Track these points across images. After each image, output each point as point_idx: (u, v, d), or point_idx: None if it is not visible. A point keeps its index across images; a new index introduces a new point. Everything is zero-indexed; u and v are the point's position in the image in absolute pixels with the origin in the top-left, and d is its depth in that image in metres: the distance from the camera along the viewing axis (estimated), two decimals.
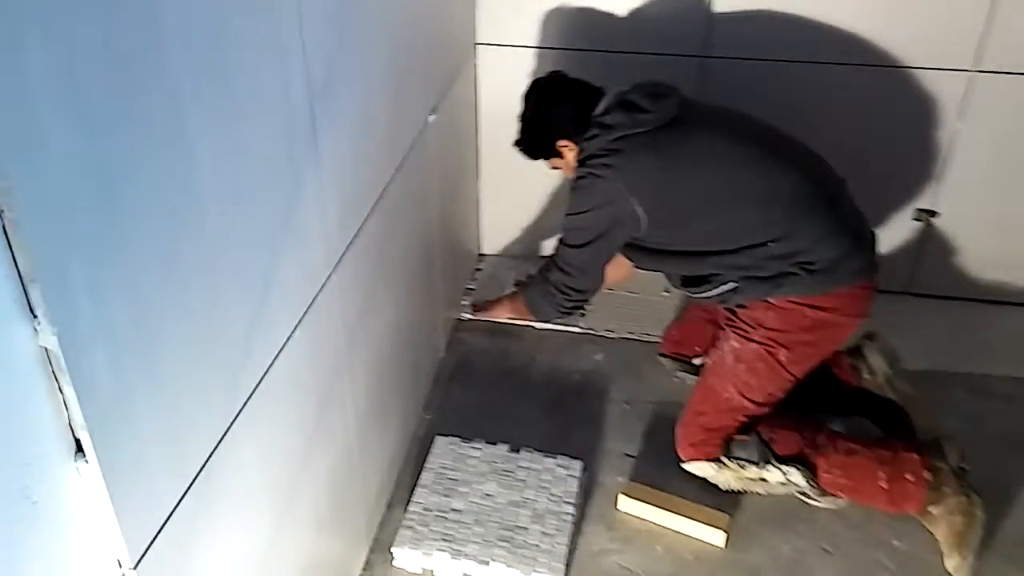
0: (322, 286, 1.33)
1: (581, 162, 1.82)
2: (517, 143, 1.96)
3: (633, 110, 1.77)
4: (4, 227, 0.68)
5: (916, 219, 2.41)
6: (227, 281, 1.02)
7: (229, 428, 1.06)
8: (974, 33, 2.11)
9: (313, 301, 1.30)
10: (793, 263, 1.72)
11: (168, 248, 0.89)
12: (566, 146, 1.88)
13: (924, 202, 2.38)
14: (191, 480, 0.98)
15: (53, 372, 0.75)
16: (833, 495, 1.88)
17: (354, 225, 1.47)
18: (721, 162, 1.77)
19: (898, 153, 2.33)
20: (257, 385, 1.13)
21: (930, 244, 2.44)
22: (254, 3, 1.03)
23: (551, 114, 1.88)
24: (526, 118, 1.94)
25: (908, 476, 1.79)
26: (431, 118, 1.91)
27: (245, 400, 1.10)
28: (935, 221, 2.40)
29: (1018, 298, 2.46)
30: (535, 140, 1.94)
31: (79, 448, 0.80)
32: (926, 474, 1.78)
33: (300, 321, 1.26)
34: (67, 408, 0.78)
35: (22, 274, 0.71)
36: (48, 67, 0.69)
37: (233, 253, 1.03)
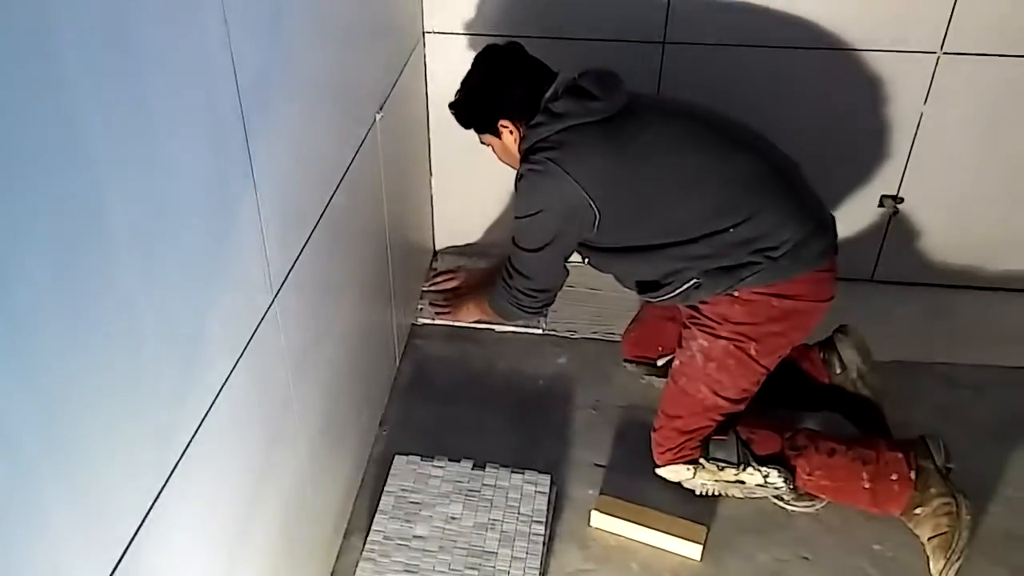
0: (263, 316, 1.20)
1: (524, 155, 1.71)
2: (453, 106, 1.83)
3: (584, 97, 1.67)
4: None
5: (881, 205, 2.35)
6: (152, 332, 0.89)
7: (159, 494, 0.93)
8: (943, 12, 2.04)
9: (254, 334, 1.17)
10: (754, 250, 1.64)
11: (73, 315, 0.75)
12: (507, 126, 1.76)
13: (889, 188, 2.32)
14: (116, 562, 0.85)
15: None
16: (810, 498, 1.82)
17: (298, 242, 1.34)
18: (674, 148, 1.69)
19: (862, 140, 2.27)
20: (191, 440, 1.00)
21: (895, 230, 2.38)
22: (167, 6, 0.89)
23: (501, 90, 1.75)
24: (473, 86, 1.80)
25: (892, 476, 1.73)
26: (379, 115, 1.77)
27: (177, 460, 0.96)
28: (900, 207, 2.34)
29: (984, 283, 2.42)
30: (476, 112, 1.81)
31: None
32: (911, 474, 1.72)
33: (240, 358, 1.12)
34: None
35: None
36: None
37: (157, 300, 0.89)
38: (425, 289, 2.38)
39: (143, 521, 0.89)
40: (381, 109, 1.79)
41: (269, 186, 1.18)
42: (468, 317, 2.18)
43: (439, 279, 2.37)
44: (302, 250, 1.35)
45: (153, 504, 0.91)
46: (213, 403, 1.05)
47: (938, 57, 2.10)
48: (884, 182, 2.32)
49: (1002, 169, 2.25)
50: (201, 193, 0.98)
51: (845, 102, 2.20)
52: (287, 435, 1.35)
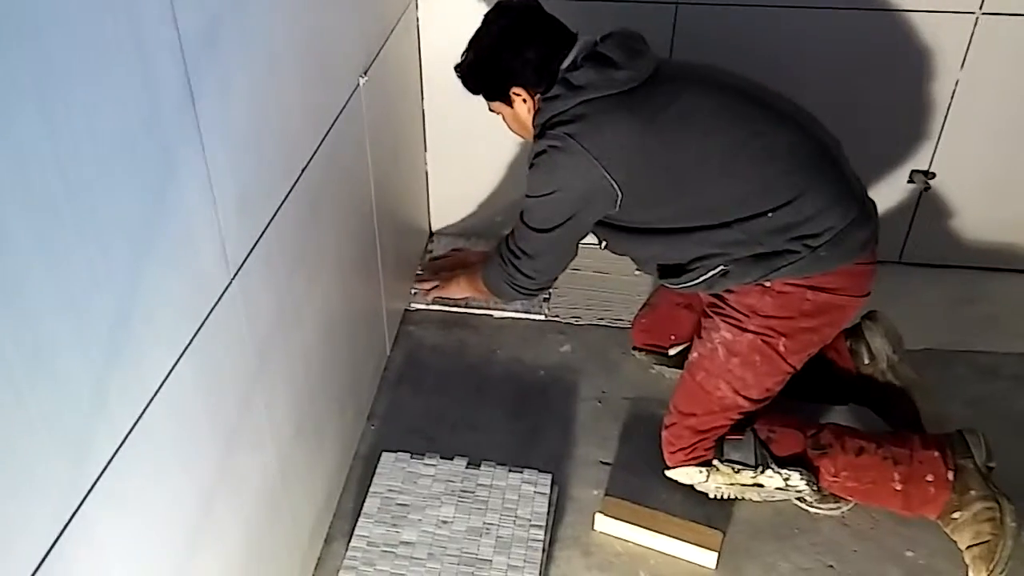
0: (217, 300, 1.04)
1: (541, 130, 1.55)
2: (459, 68, 1.65)
3: (607, 66, 1.50)
4: None
5: (911, 181, 2.18)
6: (55, 317, 0.73)
7: (71, 518, 0.77)
8: None
9: (204, 321, 1.01)
10: (792, 238, 1.49)
11: None
12: (519, 94, 1.59)
13: (920, 163, 2.15)
14: None
15: None
16: (836, 499, 1.67)
17: (262, 217, 1.18)
18: (707, 122, 1.51)
19: (891, 109, 2.09)
20: (117, 450, 0.84)
21: (926, 208, 2.21)
22: None
23: (515, 54, 1.57)
24: (483, 48, 1.61)
25: (928, 477, 1.57)
26: (363, 80, 1.61)
27: (97, 476, 0.81)
28: (932, 183, 2.17)
29: (1021, 265, 2.25)
30: (486, 76, 1.63)
31: None
32: (948, 474, 1.56)
33: (185, 349, 0.97)
34: None
35: None
36: None
37: (63, 278, 0.74)
38: (419, 273, 2.22)
39: (48, 551, 0.74)
40: (365, 73, 1.63)
41: (222, 150, 1.02)
42: (458, 292, 2.01)
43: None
44: (268, 225, 1.19)
45: (63, 531, 0.76)
46: (149, 403, 0.90)
47: (977, 17, 1.92)
48: (915, 156, 2.14)
49: None
50: (123, 154, 0.82)
51: (874, 67, 2.03)
52: (250, 436, 1.20)
